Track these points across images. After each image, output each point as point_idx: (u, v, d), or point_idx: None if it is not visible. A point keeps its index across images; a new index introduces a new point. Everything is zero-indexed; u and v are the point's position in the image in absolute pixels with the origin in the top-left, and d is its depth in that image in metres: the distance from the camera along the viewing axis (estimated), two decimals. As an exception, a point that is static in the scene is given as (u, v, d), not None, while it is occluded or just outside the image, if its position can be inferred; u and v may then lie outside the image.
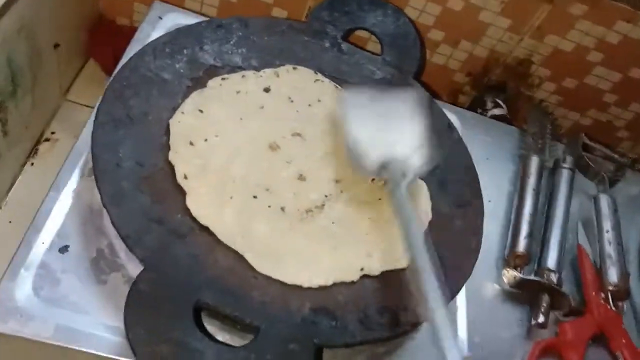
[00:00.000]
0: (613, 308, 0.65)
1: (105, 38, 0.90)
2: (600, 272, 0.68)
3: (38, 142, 0.80)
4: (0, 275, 0.50)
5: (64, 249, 0.51)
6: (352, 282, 0.54)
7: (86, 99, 0.87)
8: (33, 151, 0.79)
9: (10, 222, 0.72)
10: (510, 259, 0.66)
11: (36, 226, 0.52)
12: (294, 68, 0.69)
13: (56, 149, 0.80)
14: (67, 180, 0.55)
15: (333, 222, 0.58)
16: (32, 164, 0.78)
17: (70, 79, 0.87)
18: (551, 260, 0.66)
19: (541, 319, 0.62)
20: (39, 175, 0.77)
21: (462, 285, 0.57)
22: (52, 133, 0.82)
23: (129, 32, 0.89)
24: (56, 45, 0.76)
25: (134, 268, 0.51)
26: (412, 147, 0.57)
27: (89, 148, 0.57)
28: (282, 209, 0.57)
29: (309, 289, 0.52)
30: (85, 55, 0.91)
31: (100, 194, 0.50)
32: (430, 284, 0.45)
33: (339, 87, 0.70)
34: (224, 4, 0.87)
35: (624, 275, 0.67)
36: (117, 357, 0.47)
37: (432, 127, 0.68)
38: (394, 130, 0.59)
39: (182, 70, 0.62)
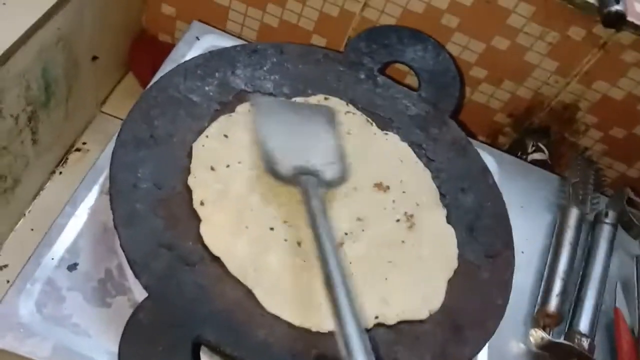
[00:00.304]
0: (649, 382, 0.60)
1: (145, 53, 0.90)
2: (638, 341, 0.63)
3: (68, 151, 0.80)
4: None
5: (72, 267, 0.50)
6: (365, 330, 0.51)
7: (121, 112, 0.87)
8: (63, 160, 0.79)
9: (32, 229, 0.72)
10: (540, 317, 0.62)
11: (48, 241, 0.51)
12: (326, 98, 0.67)
13: (86, 159, 0.81)
14: (84, 196, 0.55)
15: (351, 262, 0.55)
16: (61, 172, 0.78)
17: (107, 91, 0.88)
18: (584, 324, 0.62)
19: (568, 387, 0.57)
20: (66, 184, 0.77)
21: (484, 345, 0.53)
22: (84, 143, 0.82)
23: (170, 49, 0.90)
24: (94, 58, 0.77)
25: (140, 293, 0.50)
26: (326, 160, 0.57)
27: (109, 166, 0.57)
28: (299, 243, 0.55)
29: (317, 333, 0.49)
30: (124, 68, 0.92)
31: (112, 213, 0.48)
32: (343, 305, 0.42)
33: (370, 120, 0.67)
34: (265, 28, 0.86)
35: (664, 346, 0.61)
36: (111, 386, 0.45)
37: (467, 169, 0.66)
38: (309, 142, 0.58)
39: (211, 94, 0.61)
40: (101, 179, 0.56)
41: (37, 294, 0.48)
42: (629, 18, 0.70)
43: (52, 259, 0.50)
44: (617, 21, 0.67)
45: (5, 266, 0.69)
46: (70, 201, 0.54)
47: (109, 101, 0.88)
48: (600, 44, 0.76)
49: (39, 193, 0.75)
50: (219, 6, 0.85)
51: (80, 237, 0.52)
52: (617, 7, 0.67)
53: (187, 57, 0.69)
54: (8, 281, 0.67)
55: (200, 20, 0.82)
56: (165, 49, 0.91)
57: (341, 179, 0.57)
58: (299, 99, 0.65)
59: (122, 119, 0.86)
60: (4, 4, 0.57)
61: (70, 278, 0.50)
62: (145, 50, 0.90)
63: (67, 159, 0.80)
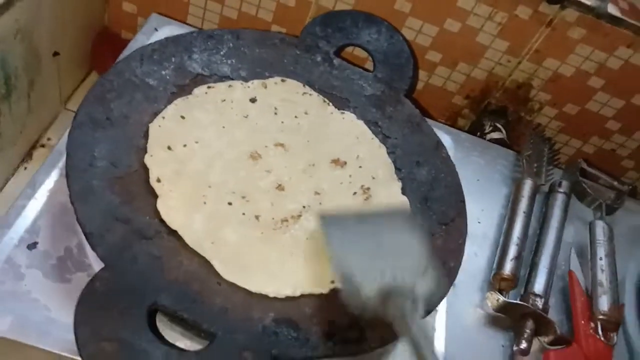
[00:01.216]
0: (603, 339, 0.62)
1: (108, 51, 0.91)
2: (591, 301, 0.65)
3: (33, 147, 0.81)
4: None
5: (32, 246, 0.51)
6: (322, 295, 0.53)
7: (85, 108, 0.88)
8: (27, 155, 0.80)
9: (-3, 223, 0.73)
10: (496, 281, 0.64)
11: (6, 222, 0.52)
12: (283, 80, 0.69)
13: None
14: (44, 179, 0.56)
15: (308, 234, 0.57)
16: (25, 168, 0.79)
17: (72, 89, 0.89)
18: (538, 285, 0.64)
19: (524, 345, 0.59)
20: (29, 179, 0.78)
21: (435, 306, 0.55)
22: (49, 139, 0.83)
23: (132, 45, 0.91)
24: (56, 54, 0.78)
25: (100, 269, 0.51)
26: (414, 267, 0.47)
27: (68, 149, 0.58)
28: (257, 217, 0.56)
29: (275, 299, 0.51)
30: (88, 66, 0.93)
31: (69, 190, 0.50)
32: None
33: (327, 101, 0.69)
34: (224, 20, 0.88)
35: (616, 304, 0.64)
36: (70, 356, 0.46)
37: (422, 144, 0.68)
38: (389, 251, 0.49)
39: (168, 77, 0.63)
40: (60, 163, 0.57)
41: (-5, 272, 0.49)
42: (572, -6, 0.73)
43: (12, 238, 0.51)
44: (559, -3, 0.70)
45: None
46: (30, 183, 0.55)
47: (74, 98, 0.89)
48: (547, 22, 0.79)
49: (2, 188, 0.76)
50: (179, 1, 0.86)
51: (39, 218, 0.53)
52: (558, -16, 0.70)
53: (145, 47, 0.71)
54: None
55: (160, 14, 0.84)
56: (127, 45, 0.92)
57: (437, 290, 0.47)
58: (256, 82, 0.67)
59: (87, 115, 0.88)
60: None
61: (30, 256, 0.51)
62: (108, 48, 0.91)
63: (31, 154, 0.80)
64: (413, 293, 0.44)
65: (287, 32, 0.88)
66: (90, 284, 0.44)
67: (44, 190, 0.55)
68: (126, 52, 0.69)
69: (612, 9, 0.77)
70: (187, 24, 0.88)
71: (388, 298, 0.44)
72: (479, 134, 0.92)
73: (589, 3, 0.76)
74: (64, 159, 0.57)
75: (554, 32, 0.80)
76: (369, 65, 0.83)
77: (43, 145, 0.82)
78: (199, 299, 0.48)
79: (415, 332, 0.41)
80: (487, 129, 0.91)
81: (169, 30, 0.74)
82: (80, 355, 0.40)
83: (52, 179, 0.56)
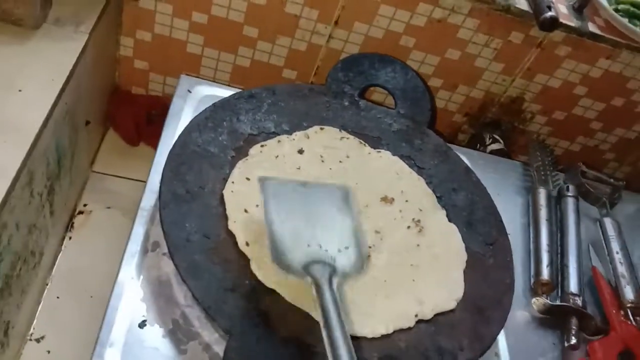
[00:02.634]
0: (634, 323, 0.71)
1: (123, 109, 0.94)
2: (616, 291, 0.74)
3: (73, 215, 0.82)
4: (65, 350, 0.52)
5: (142, 324, 0.55)
6: (409, 328, 0.59)
7: (110, 169, 0.90)
8: (70, 225, 0.81)
9: (57, 297, 0.74)
10: (537, 287, 0.72)
11: (113, 306, 0.55)
12: (322, 128, 0.74)
13: (90, 220, 0.83)
14: (132, 258, 0.59)
15: (380, 271, 0.63)
16: (70, 238, 0.80)
17: (94, 151, 0.91)
18: (573, 285, 0.72)
19: (573, 340, 0.68)
20: (77, 247, 0.80)
21: (506, 318, 0.62)
22: (85, 205, 0.84)
23: (145, 101, 0.95)
24: (87, 123, 0.80)
25: (209, 334, 0.55)
26: (340, 244, 0.53)
27: (147, 224, 0.61)
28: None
29: (373, 339, 0.56)
30: (105, 125, 0.94)
31: (177, 268, 0.53)
32: None
33: (363, 142, 0.75)
34: (237, 68, 0.92)
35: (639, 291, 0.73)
36: None
37: (453, 171, 0.75)
38: (321, 224, 0.55)
39: (225, 142, 0.67)
40: (142, 240, 0.60)
41: (120, 354, 0.52)
42: (560, 20, 0.82)
43: (122, 320, 0.54)
44: (552, 25, 0.79)
45: (42, 337, 0.71)
46: (122, 264, 0.58)
47: (97, 160, 0.91)
48: (537, 43, 0.88)
49: (55, 261, 0.77)
50: (192, 55, 0.90)
51: (140, 296, 0.56)
52: (550, 14, 0.78)
53: (185, 110, 0.74)
54: (49, 351, 0.70)
55: (173, 71, 0.87)
56: (141, 101, 0.95)
57: (357, 268, 0.53)
58: (299, 133, 0.72)
59: (113, 175, 0.90)
60: (20, 90, 0.60)
61: (143, 335, 0.54)
62: (122, 106, 0.94)
63: (72, 223, 0.82)
64: (333, 264, 0.51)
65: (299, 75, 0.93)
66: (226, 357, 0.48)
67: (136, 269, 0.58)
68: (170, 118, 0.72)
69: (592, 27, 0.86)
70: (202, 75, 0.91)
71: (310, 264, 0.50)
72: (478, 146, 1.01)
73: (572, 24, 0.85)
74: (143, 235, 0.61)
75: (543, 52, 0.89)
76: (388, 102, 0.90)
77: (81, 212, 0.83)
78: (314, 350, 0.53)
79: (327, 298, 0.47)
80: (487, 141, 0.99)
81: (201, 89, 0.77)
82: None
83: (139, 257, 0.59)
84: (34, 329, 0.71)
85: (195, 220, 0.58)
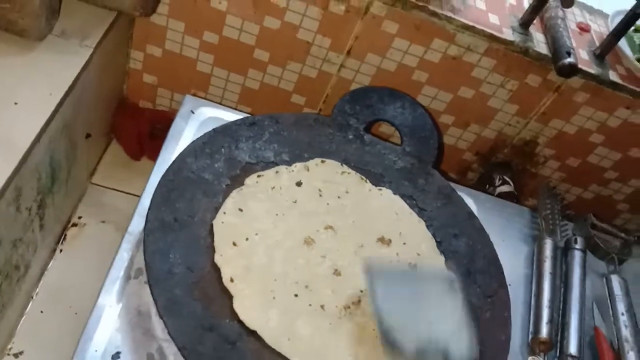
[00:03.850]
0: (634, 393, 0.68)
1: (128, 121, 0.93)
2: (618, 356, 0.71)
3: (66, 228, 0.81)
4: None
5: (116, 356, 0.53)
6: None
7: (110, 182, 0.89)
8: (62, 237, 0.80)
9: (41, 311, 0.73)
10: (535, 345, 0.69)
11: (88, 334, 0.53)
12: (323, 161, 0.72)
13: (83, 233, 0.82)
14: (113, 284, 0.57)
15: (370, 319, 0.60)
16: (61, 250, 0.79)
17: (95, 163, 0.90)
18: (573, 346, 0.69)
19: (568, 407, 0.64)
20: (67, 261, 0.79)
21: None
22: (79, 218, 0.83)
23: (151, 115, 0.93)
24: (88, 135, 0.79)
25: (184, 373, 0.53)
26: (450, 330, 0.53)
27: (132, 250, 0.59)
28: (322, 307, 0.59)
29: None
30: (108, 137, 0.93)
31: (155, 303, 0.51)
32: None
33: (364, 178, 0.73)
34: (246, 90, 0.91)
35: (642, 359, 0.70)
36: None
37: (455, 216, 0.72)
38: (429, 312, 0.54)
39: (220, 170, 0.65)
40: (125, 265, 0.59)
41: (89, 388, 0.50)
42: (580, 66, 0.79)
43: (95, 351, 0.52)
44: (571, 71, 0.76)
45: (21, 353, 0.69)
46: (102, 292, 0.56)
47: (98, 172, 0.90)
48: (554, 88, 0.85)
49: (43, 274, 0.76)
50: (201, 74, 0.89)
51: (117, 326, 0.54)
52: (569, 60, 0.75)
53: (186, 131, 0.73)
54: (25, 368, 0.68)
55: (182, 88, 0.86)
56: (147, 115, 0.94)
57: (469, 352, 0.52)
58: (299, 165, 0.70)
59: (112, 189, 0.89)
60: (16, 103, 0.59)
61: (116, 367, 0.52)
62: (128, 118, 0.93)
63: (65, 235, 0.81)
64: (446, 354, 0.50)
65: (307, 101, 0.91)
66: (195, 402, 0.46)
67: (115, 297, 0.56)
68: (169, 140, 0.71)
69: (612, 76, 0.84)
70: (208, 96, 0.90)
71: (422, 356, 0.50)
72: (487, 186, 0.98)
73: (592, 71, 0.83)
74: (127, 262, 0.59)
75: (560, 97, 0.86)
76: (395, 138, 0.88)
77: (75, 225, 0.82)
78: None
79: None
80: (497, 182, 0.96)
81: (204, 111, 0.76)
82: None
83: (121, 285, 0.57)
84: (13, 343, 0.69)
85: (181, 250, 0.56)
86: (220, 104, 0.84)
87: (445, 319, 0.54)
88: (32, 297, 0.73)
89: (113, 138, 0.94)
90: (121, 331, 0.54)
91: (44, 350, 0.66)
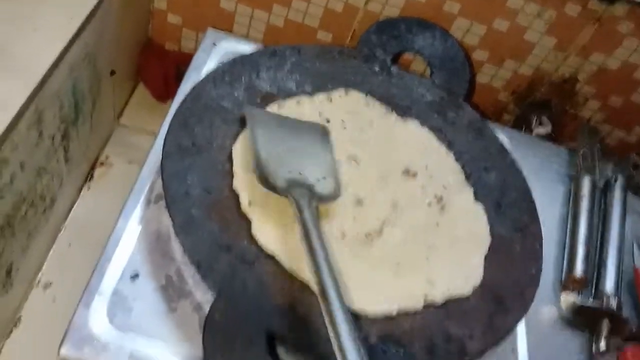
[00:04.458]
0: (675, 332, 0.64)
1: (154, 63, 0.92)
2: (659, 296, 0.67)
3: (94, 166, 0.82)
4: (71, 299, 0.51)
5: (134, 277, 0.53)
6: (416, 310, 0.54)
7: (138, 123, 0.89)
8: (89, 175, 0.81)
9: (69, 244, 0.74)
10: (568, 283, 0.66)
11: (107, 255, 0.53)
12: (346, 92, 0.70)
13: (111, 172, 0.83)
14: (134, 208, 0.57)
15: (392, 248, 0.58)
16: (89, 188, 0.80)
17: (122, 104, 0.90)
18: (609, 284, 0.66)
19: (603, 346, 0.61)
20: (95, 199, 0.79)
21: (525, 312, 0.57)
22: (107, 157, 0.84)
23: (177, 57, 0.92)
24: (112, 72, 0.78)
25: (202, 295, 0.53)
26: (319, 175, 0.58)
27: (153, 176, 0.59)
28: (343, 234, 0.58)
29: (375, 317, 0.52)
30: (135, 79, 0.93)
31: (172, 221, 0.51)
32: (338, 313, 0.44)
33: (390, 110, 0.70)
34: (271, 28, 0.88)
35: (685, 298, 0.66)
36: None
37: (486, 149, 0.69)
38: (302, 156, 0.59)
39: (240, 98, 0.63)
40: (146, 189, 0.58)
41: (107, 306, 0.50)
42: (624, -10, 0.73)
43: (114, 271, 0.52)
44: (614, -4, 0.71)
45: (50, 284, 0.70)
46: (122, 214, 0.56)
47: (125, 113, 0.90)
48: (595, 18, 0.79)
49: (71, 209, 0.77)
50: (225, 11, 0.86)
51: (137, 248, 0.54)
52: (613, -17, 0.70)
53: (207, 63, 0.72)
54: (54, 299, 0.70)
55: (206, 27, 0.84)
56: (173, 58, 0.93)
57: (333, 194, 0.58)
58: (321, 95, 0.68)
59: (139, 130, 0.89)
60: (35, 30, 0.58)
61: (134, 288, 0.52)
62: (154, 60, 0.92)
63: (92, 174, 0.81)
64: (311, 189, 0.55)
65: (334, 38, 0.88)
66: (209, 317, 0.45)
67: (135, 219, 0.56)
68: (191, 71, 0.70)
69: (663, 2, 0.77)
70: (234, 32, 0.88)
71: (291, 187, 0.55)
72: (524, 127, 0.93)
73: (639, -2, 0.77)
74: (148, 186, 0.59)
75: (602, 28, 0.80)
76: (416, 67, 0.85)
77: (102, 164, 0.83)
78: (306, 322, 0.49)
79: (306, 214, 0.51)
80: (534, 123, 0.92)
81: (226, 45, 0.75)
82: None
83: (141, 207, 0.57)
84: (42, 274, 0.71)
85: (199, 174, 0.55)
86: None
87: (315, 165, 0.59)
88: (60, 231, 0.74)
89: (140, 80, 0.94)
90: (140, 253, 0.54)
91: (72, 283, 0.67)
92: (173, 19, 0.89)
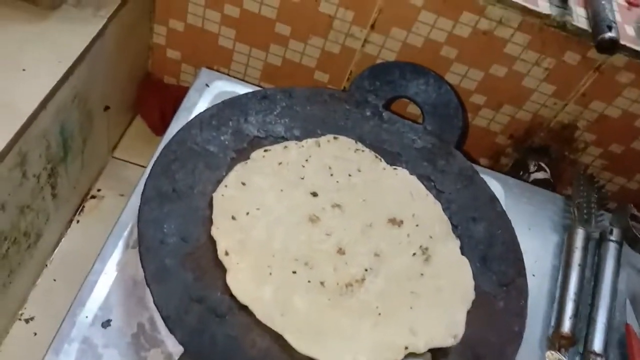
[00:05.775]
0: (665, 398, 0.62)
1: (152, 96, 0.93)
2: (651, 356, 0.65)
3: (84, 199, 0.82)
4: (52, 334, 0.51)
5: (106, 324, 0.52)
6: (396, 361, 0.53)
7: (132, 156, 0.90)
8: (80, 208, 0.81)
9: (54, 280, 0.74)
10: (555, 339, 0.64)
11: (81, 299, 0.53)
12: (335, 138, 0.69)
13: (101, 206, 0.83)
14: (111, 252, 0.57)
15: (374, 297, 0.57)
16: (78, 221, 0.80)
17: (118, 137, 0.90)
18: (597, 344, 0.64)
19: (588, 407, 0.59)
20: (84, 232, 0.79)
21: (505, 373, 0.55)
22: (98, 190, 0.84)
23: (176, 91, 0.93)
24: (106, 108, 0.79)
25: (173, 345, 0.52)
26: None
27: (132, 220, 0.59)
28: (322, 283, 0.57)
29: (351, 371, 0.51)
30: (132, 112, 0.94)
31: (144, 271, 0.50)
32: None
33: (379, 157, 0.70)
34: (268, 67, 0.89)
35: (677, 361, 0.63)
36: None
37: (476, 198, 0.68)
38: None
39: (227, 142, 0.63)
40: (125, 233, 0.58)
41: (75, 353, 0.50)
42: (622, 42, 0.72)
43: (86, 317, 0.52)
44: (611, 47, 0.70)
45: (32, 318, 0.70)
46: (99, 258, 0.56)
47: (120, 146, 0.90)
48: (595, 67, 0.79)
49: (58, 243, 0.77)
50: (223, 49, 0.87)
51: (111, 293, 0.54)
52: (610, 34, 0.69)
53: (199, 104, 0.72)
54: (35, 334, 0.69)
55: (205, 64, 0.84)
56: (171, 91, 0.94)
57: None
58: (310, 141, 0.68)
59: (133, 163, 0.90)
60: (24, 70, 0.59)
61: (105, 335, 0.52)
62: (152, 94, 0.93)
63: (83, 207, 0.81)
64: None
65: (331, 79, 0.89)
66: (174, 372, 0.45)
67: (112, 263, 0.56)
68: (181, 112, 0.70)
69: (661, 54, 0.76)
70: (231, 71, 0.89)
71: None
72: (522, 172, 0.92)
73: (637, 48, 0.76)
74: (128, 229, 0.59)
75: (601, 77, 0.80)
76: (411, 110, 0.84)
77: (94, 197, 0.83)
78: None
79: None
80: (532, 168, 0.91)
81: (219, 85, 0.75)
82: None
83: (119, 251, 0.57)
84: (25, 308, 0.71)
85: (177, 221, 0.55)
86: (243, 80, 0.82)
87: None
88: (46, 265, 0.74)
89: (137, 113, 0.94)
90: (114, 299, 0.54)
91: (55, 317, 0.66)
92: (172, 54, 0.90)
